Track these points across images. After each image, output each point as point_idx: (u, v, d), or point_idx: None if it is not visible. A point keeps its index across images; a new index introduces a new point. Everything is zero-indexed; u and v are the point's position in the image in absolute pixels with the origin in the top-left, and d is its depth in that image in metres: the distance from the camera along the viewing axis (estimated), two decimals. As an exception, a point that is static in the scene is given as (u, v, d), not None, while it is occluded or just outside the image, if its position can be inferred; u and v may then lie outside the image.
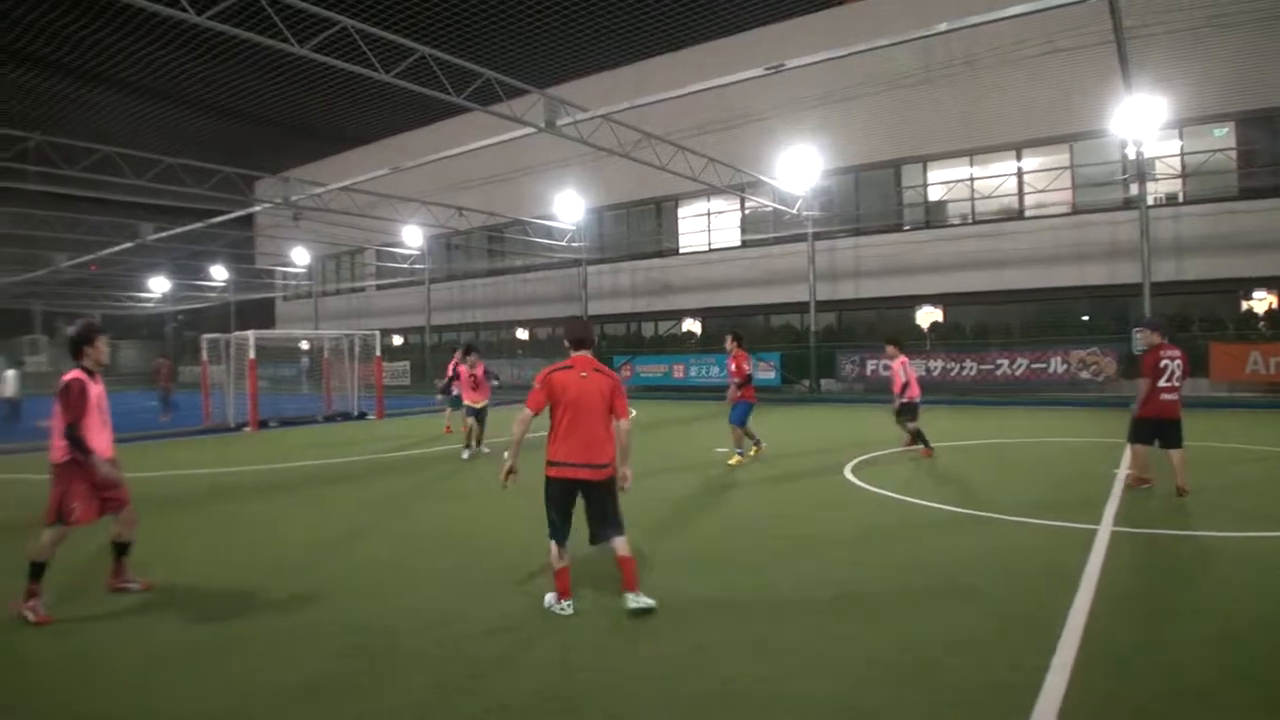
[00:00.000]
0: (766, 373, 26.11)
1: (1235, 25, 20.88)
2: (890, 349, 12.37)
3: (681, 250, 32.12)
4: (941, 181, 26.84)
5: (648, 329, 33.88)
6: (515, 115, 17.49)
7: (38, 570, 5.39)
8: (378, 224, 32.16)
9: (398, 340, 41.75)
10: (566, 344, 5.72)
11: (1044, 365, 22.53)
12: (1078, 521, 7.47)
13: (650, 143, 21.28)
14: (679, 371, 29.32)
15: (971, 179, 26.10)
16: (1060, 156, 24.63)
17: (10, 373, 22.13)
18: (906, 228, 27.17)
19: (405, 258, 38.31)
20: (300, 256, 40.21)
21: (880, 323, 26.86)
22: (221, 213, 29.48)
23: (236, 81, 29.64)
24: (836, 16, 26.98)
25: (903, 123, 25.80)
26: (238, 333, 21.73)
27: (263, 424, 20.01)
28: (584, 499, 5.39)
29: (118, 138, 26.74)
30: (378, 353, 23.73)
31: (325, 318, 45.98)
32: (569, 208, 29.03)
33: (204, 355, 22.67)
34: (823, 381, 26.48)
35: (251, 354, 20.04)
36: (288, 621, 5.33)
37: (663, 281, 32.20)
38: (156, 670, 4.54)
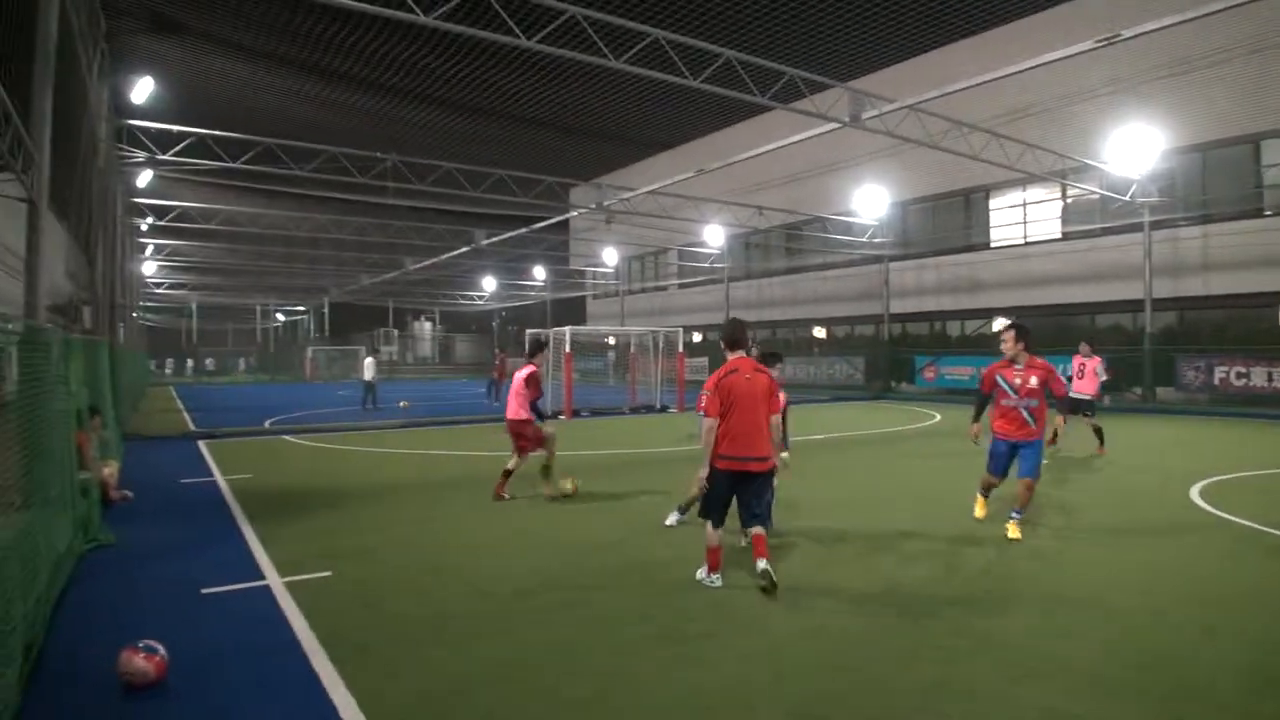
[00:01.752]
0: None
1: None
2: None
3: (993, 244, 30.12)
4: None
5: (953, 328, 32.19)
6: (819, 111, 17.39)
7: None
8: (680, 225, 33.41)
9: (697, 337, 43.08)
10: (723, 346, 6.18)
11: None
12: None
13: (960, 131, 20.21)
14: (988, 373, 27.58)
15: (1359, 152, 22.05)
16: None
17: (369, 360, 25.78)
18: (1268, 213, 23.38)
19: (705, 257, 39.46)
20: (609, 257, 42.90)
21: (1232, 323, 23.47)
22: (543, 218, 32.20)
23: (555, 95, 32.06)
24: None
25: (1263, 89, 22.25)
26: (556, 328, 23.59)
27: (576, 413, 21.56)
28: (742, 488, 5.91)
29: (456, 154, 30.00)
30: (680, 349, 24.69)
31: (630, 315, 48.54)
32: (871, 202, 28.38)
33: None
34: (1158, 390, 23.61)
35: (568, 347, 21.69)
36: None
37: (971, 278, 30.39)
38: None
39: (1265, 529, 7.58)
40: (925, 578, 6.14)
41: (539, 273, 52.33)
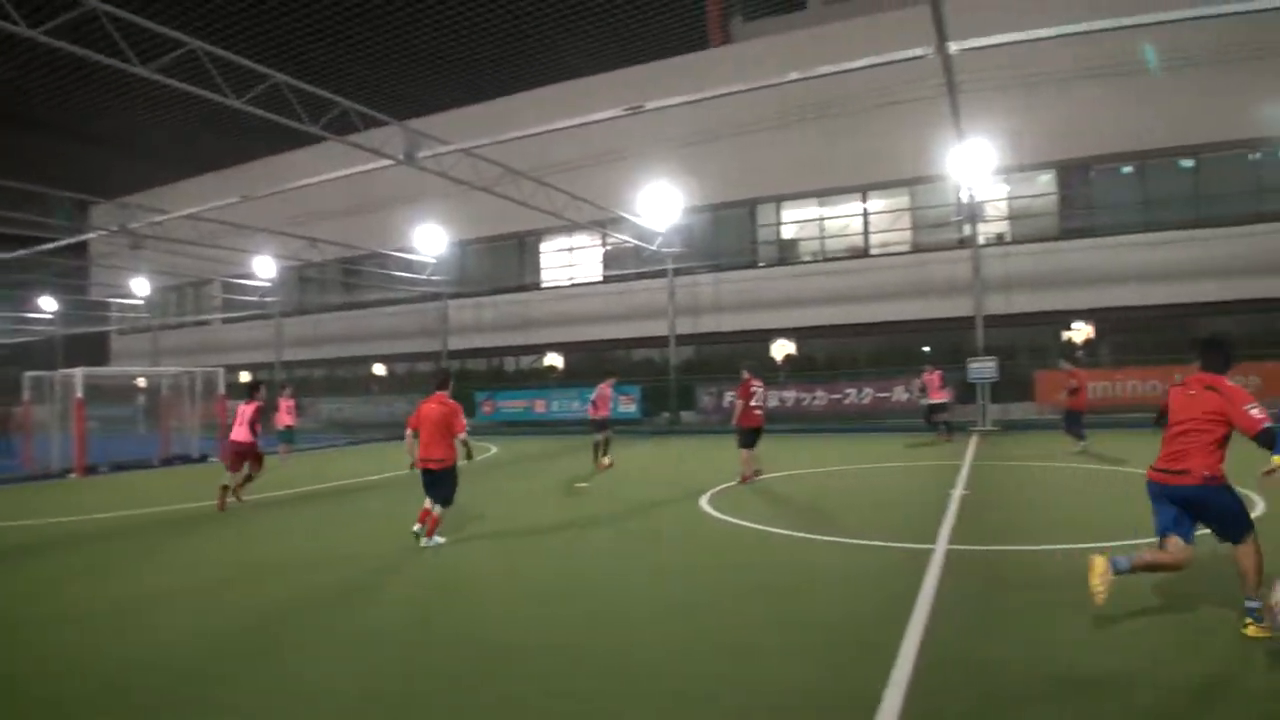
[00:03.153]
0: (628, 406, 26.47)
1: (1053, 82, 22.96)
2: None
3: (544, 285, 32.21)
4: (794, 220, 28.08)
5: (509, 363, 33.67)
6: (373, 147, 17.19)
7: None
8: (226, 254, 30.69)
9: (245, 377, 39.83)
10: (434, 385, 9.27)
11: (888, 394, 23.77)
12: (917, 542, 7.89)
13: (513, 178, 21.32)
14: (540, 406, 29.27)
15: (821, 219, 27.43)
16: (901, 199, 26.29)
17: None
18: (761, 264, 28.21)
19: (255, 290, 36.67)
20: (139, 287, 37.79)
21: (737, 356, 27.66)
22: (52, 239, 27.43)
23: (72, 98, 27.85)
24: (699, 60, 28.01)
25: (758, 164, 26.85)
26: (65, 370, 20.21)
27: (90, 469, 18.63)
28: (428, 479, 8.78)
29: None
30: (221, 390, 22.57)
31: (166, 353, 43.35)
32: (429, 241, 28.57)
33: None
34: (682, 413, 26.98)
35: (79, 393, 18.67)
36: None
37: (524, 315, 32.13)
38: None
39: (754, 525, 8.99)
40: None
41: (48, 303, 43.99)
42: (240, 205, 22.86)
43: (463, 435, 8.80)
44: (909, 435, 20.16)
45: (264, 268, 31.82)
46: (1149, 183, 24.27)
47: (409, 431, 8.94)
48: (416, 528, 8.65)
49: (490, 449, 22.02)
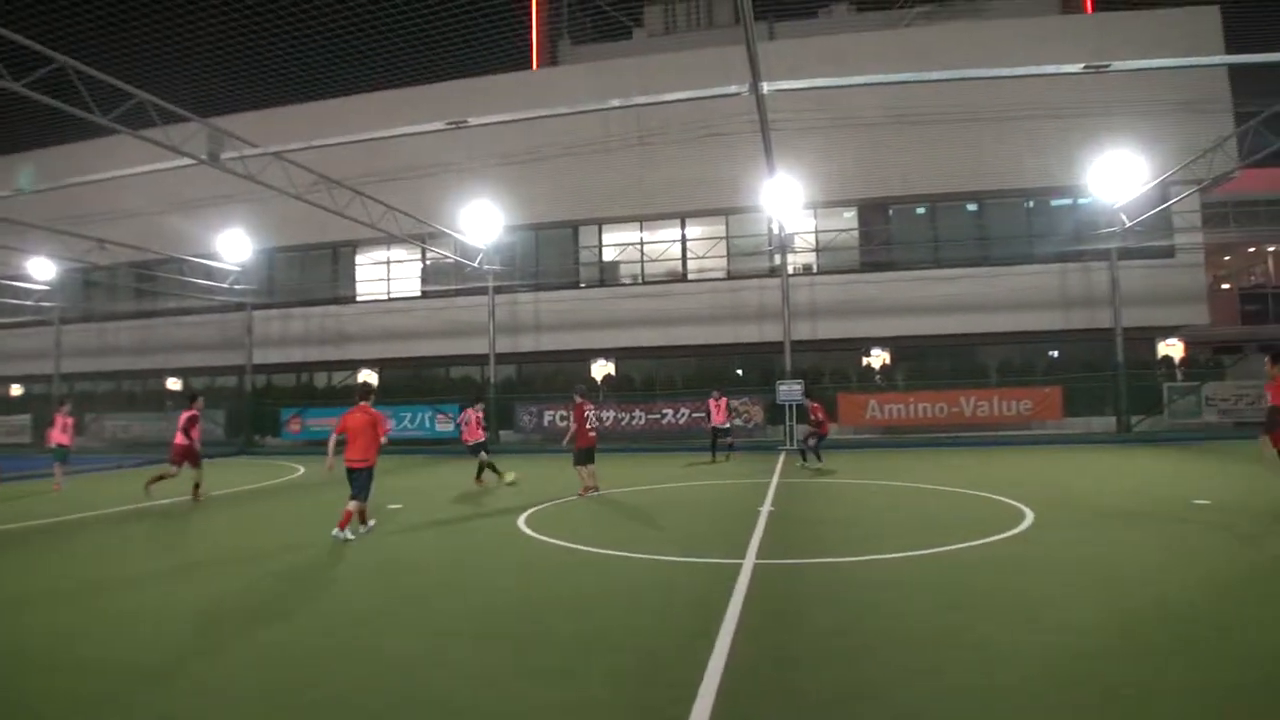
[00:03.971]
0: (445, 424, 25.93)
1: (859, 126, 24.61)
2: None
3: (359, 298, 31.04)
4: (615, 244, 28.55)
5: (320, 379, 32.19)
6: (172, 143, 16.03)
7: None
8: (-6, 253, 27.66)
9: (16, 390, 36.10)
10: (370, 395, 10.77)
11: (703, 415, 24.46)
12: (726, 556, 8.16)
13: (327, 186, 20.45)
14: (354, 424, 28.12)
15: (641, 243, 28.04)
16: (718, 227, 27.28)
17: None
18: (582, 285, 28.46)
19: (30, 294, 33.25)
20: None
21: (558, 375, 27.74)
22: None
23: None
24: (525, 80, 28.07)
25: (581, 186, 27.13)
26: None
27: None
28: (351, 477, 10.03)
29: None
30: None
31: (-84, 362, 38.51)
32: (234, 247, 26.81)
33: None
34: (502, 433, 26.66)
35: None
36: None
37: (338, 330, 30.81)
38: None
39: (569, 544, 9.00)
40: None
41: None
42: (12, 200, 20.75)
43: (384, 440, 10.47)
44: (718, 454, 20.81)
45: (41, 269, 28.88)
46: (940, 223, 26.45)
47: (334, 436, 10.21)
48: (335, 532, 9.73)
49: (298, 469, 20.89)
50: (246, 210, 28.61)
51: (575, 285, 28.47)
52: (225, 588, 7.54)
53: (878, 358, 26.64)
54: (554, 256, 28.73)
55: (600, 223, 28.17)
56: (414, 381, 29.57)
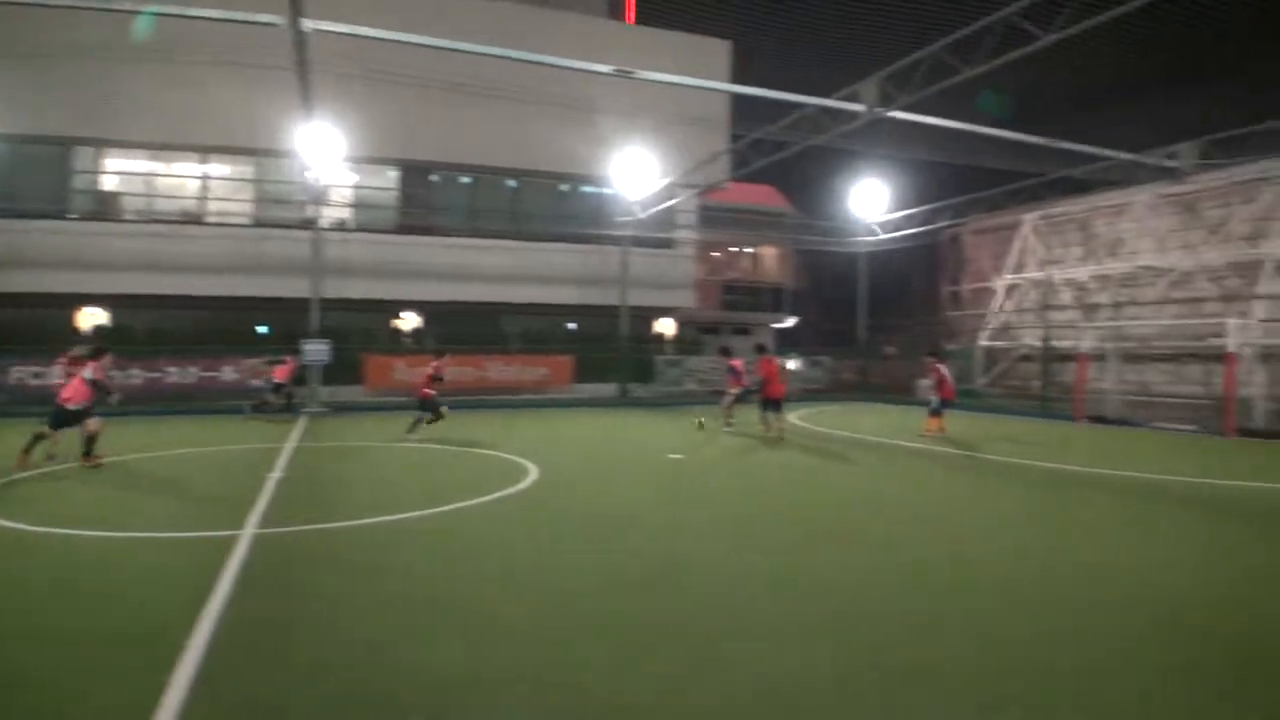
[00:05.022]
0: None
1: (407, 86, 24.16)
2: None
3: None
4: (119, 172, 24.83)
5: None
6: None
7: None
8: None
9: None
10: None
11: (216, 374, 22.51)
12: (222, 529, 7.64)
13: None
14: None
15: (152, 174, 24.79)
16: (246, 168, 25.08)
17: None
18: (74, 216, 24.21)
19: None
20: None
21: (35, 324, 23.32)
22: None
23: None
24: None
25: (86, 97, 22.75)
26: None
27: None
28: None
29: None
30: None
31: None
32: None
33: None
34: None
35: None
36: None
37: None
38: None
39: (32, 527, 7.79)
40: None
41: None
42: None
43: None
44: (238, 417, 19.43)
45: None
46: (480, 195, 27.28)
47: None
48: None
49: None
50: None
51: (63, 215, 24.02)
52: None
53: (407, 320, 26.74)
54: (41, 179, 24.01)
55: (101, 144, 24.17)
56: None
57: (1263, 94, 24.45)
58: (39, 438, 11.23)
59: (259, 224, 24.91)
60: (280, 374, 19.98)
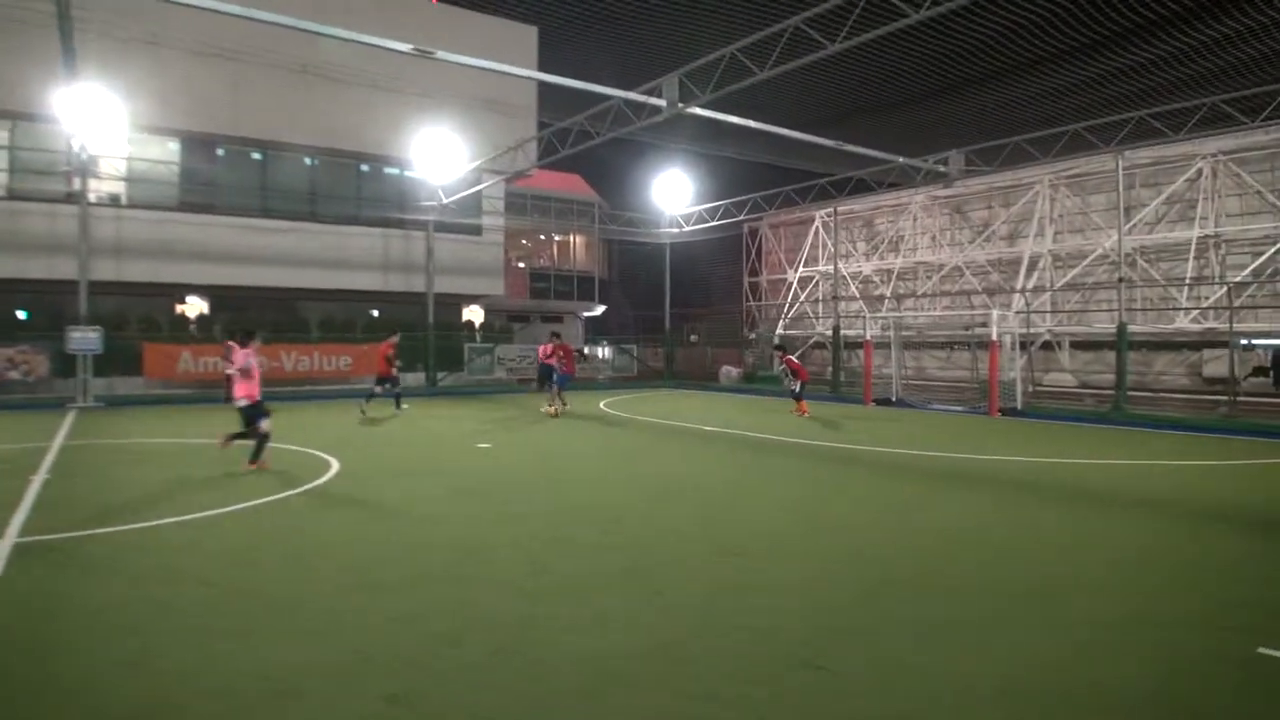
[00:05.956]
0: None
1: (189, 52, 22.34)
2: None
3: None
4: None
5: None
6: None
7: None
8: None
9: None
10: None
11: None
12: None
13: None
14: None
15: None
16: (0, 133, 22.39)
17: None
18: None
19: None
20: None
21: None
22: None
23: None
24: None
25: None
26: None
27: None
28: None
29: None
30: None
31: None
32: None
33: None
34: None
35: None
36: None
37: None
38: None
39: None
40: None
41: None
42: None
43: None
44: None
45: None
46: (273, 172, 25.64)
47: None
48: None
49: None
50: None
51: None
52: None
53: (194, 306, 24.85)
54: None
55: None
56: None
57: (1013, 110, 27.14)
58: None
59: (14, 196, 22.24)
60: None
